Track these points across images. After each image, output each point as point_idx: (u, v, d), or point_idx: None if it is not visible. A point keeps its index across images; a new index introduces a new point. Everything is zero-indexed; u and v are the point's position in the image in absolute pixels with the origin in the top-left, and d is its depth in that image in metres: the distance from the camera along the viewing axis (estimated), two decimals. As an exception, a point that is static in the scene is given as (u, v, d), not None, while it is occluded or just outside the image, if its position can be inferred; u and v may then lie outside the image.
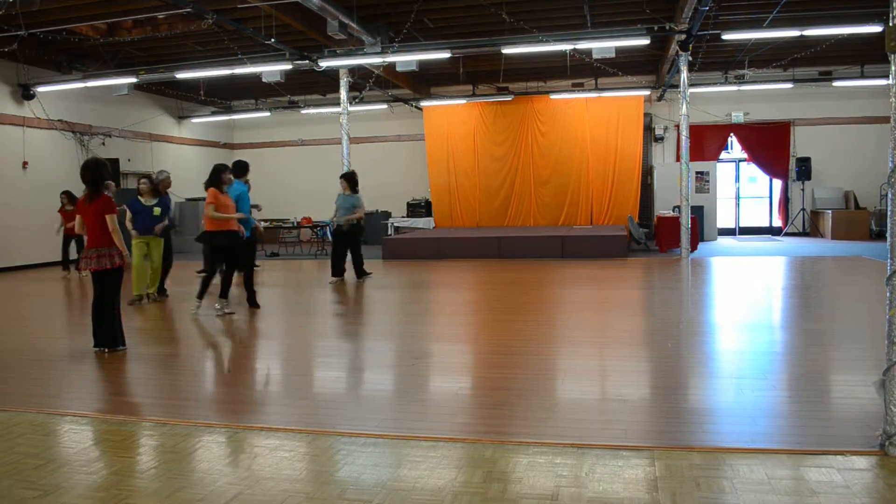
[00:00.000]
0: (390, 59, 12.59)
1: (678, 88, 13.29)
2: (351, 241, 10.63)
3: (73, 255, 12.29)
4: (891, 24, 3.25)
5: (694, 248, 13.68)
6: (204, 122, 19.95)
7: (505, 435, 3.72)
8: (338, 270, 10.61)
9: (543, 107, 18.26)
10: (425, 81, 18.33)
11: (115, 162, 15.54)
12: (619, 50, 11.81)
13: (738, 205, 18.56)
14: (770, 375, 4.90)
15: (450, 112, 18.83)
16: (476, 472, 3.23)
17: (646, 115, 17.99)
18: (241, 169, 8.85)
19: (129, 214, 8.71)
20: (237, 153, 21.43)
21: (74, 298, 10.16)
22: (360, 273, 10.78)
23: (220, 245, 7.90)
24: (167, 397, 4.79)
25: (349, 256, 10.78)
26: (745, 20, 11.85)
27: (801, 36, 12.19)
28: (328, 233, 13.72)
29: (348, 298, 9.54)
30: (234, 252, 8.02)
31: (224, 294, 7.95)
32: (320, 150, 19.77)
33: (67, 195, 12.13)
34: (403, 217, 19.28)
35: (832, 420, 3.93)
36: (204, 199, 7.90)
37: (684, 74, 12.84)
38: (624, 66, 15.51)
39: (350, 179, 10.71)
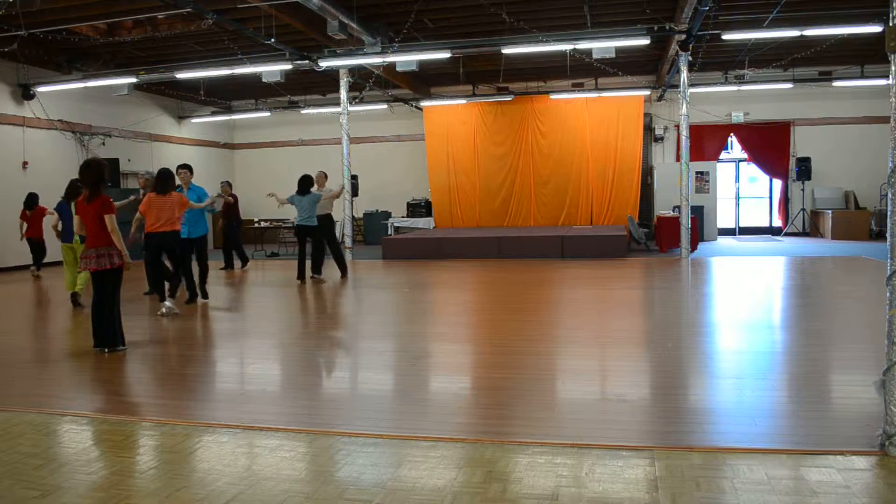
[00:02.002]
0: (390, 59, 12.59)
1: (678, 88, 13.29)
2: (323, 236, 11.09)
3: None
4: (891, 24, 3.25)
5: (694, 248, 13.68)
6: (204, 122, 19.95)
7: (505, 435, 3.72)
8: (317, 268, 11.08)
9: (543, 107, 18.26)
10: (425, 81, 18.33)
11: (115, 162, 15.54)
12: (619, 50, 11.81)
13: (738, 205, 18.56)
14: (770, 375, 4.90)
15: (450, 112, 18.83)
16: (476, 472, 3.23)
17: (646, 115, 17.98)
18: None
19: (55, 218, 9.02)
20: (237, 153, 21.45)
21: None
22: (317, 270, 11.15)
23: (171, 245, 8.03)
24: (167, 397, 4.79)
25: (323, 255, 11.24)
26: (745, 20, 11.84)
27: (801, 36, 12.19)
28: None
29: (347, 298, 9.54)
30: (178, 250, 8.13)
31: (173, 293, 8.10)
32: (320, 150, 19.76)
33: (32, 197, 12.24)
34: (403, 217, 19.28)
35: (832, 420, 3.93)
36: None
37: (684, 74, 12.84)
38: (624, 66, 15.51)
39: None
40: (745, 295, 9.00)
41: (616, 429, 3.81)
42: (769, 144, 17.64)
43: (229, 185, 13.57)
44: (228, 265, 13.04)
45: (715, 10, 10.93)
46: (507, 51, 12.68)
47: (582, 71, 16.25)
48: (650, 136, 18.36)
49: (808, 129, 17.42)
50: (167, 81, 15.79)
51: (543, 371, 5.23)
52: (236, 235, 13.12)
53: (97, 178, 5.90)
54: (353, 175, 16.38)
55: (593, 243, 13.85)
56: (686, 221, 13.06)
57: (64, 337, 7.24)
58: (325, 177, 11.62)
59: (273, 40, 11.73)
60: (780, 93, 17.03)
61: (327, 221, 11.18)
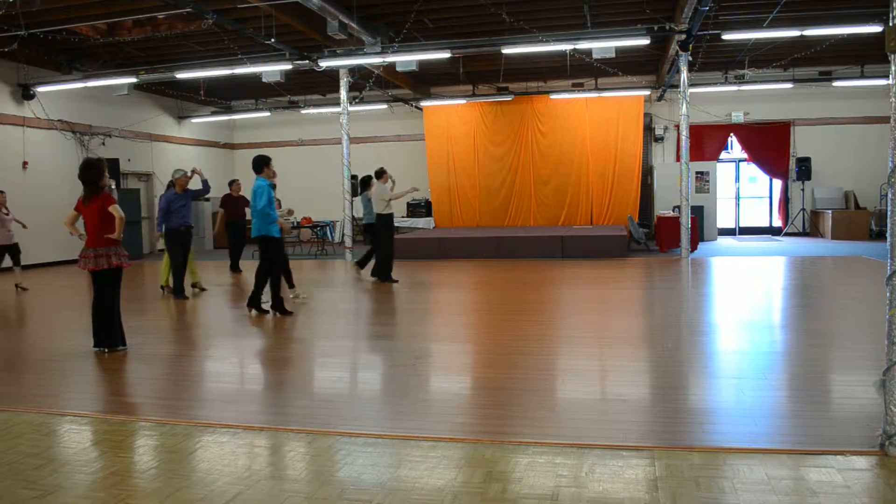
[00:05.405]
0: (390, 59, 12.59)
1: (678, 88, 13.29)
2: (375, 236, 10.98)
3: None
4: (891, 24, 3.25)
5: (694, 248, 13.68)
6: (204, 122, 19.95)
7: (505, 435, 3.72)
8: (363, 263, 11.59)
9: (543, 107, 18.26)
10: (425, 81, 18.33)
11: (115, 162, 15.54)
12: (619, 50, 11.81)
13: (738, 205, 18.55)
14: (770, 375, 4.90)
15: (450, 112, 18.83)
16: (476, 472, 3.23)
17: (646, 115, 17.98)
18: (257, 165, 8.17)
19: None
20: (237, 153, 21.45)
21: (74, 298, 10.16)
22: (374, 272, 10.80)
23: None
24: (167, 397, 4.79)
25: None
26: (745, 20, 11.84)
27: (801, 36, 12.18)
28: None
29: (348, 298, 9.53)
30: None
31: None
32: (320, 150, 19.76)
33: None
34: (403, 217, 19.27)
35: (832, 420, 3.94)
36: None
37: (684, 74, 12.84)
38: (624, 66, 15.50)
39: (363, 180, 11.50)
40: (745, 295, 9.00)
41: (616, 429, 3.81)
42: (769, 144, 17.63)
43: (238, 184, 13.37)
44: (235, 268, 12.83)
45: (715, 10, 10.93)
46: (507, 51, 12.68)
47: (582, 71, 16.24)
48: (650, 136, 18.35)
49: (808, 129, 17.42)
50: (167, 81, 15.78)
51: (543, 371, 5.23)
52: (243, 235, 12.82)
53: (97, 177, 5.89)
54: (353, 175, 16.40)
55: (593, 243, 13.85)
56: (686, 221, 13.06)
57: (64, 337, 7.24)
58: (377, 176, 10.63)
59: (273, 40, 11.73)
60: (780, 93, 17.02)
61: (380, 222, 10.47)
